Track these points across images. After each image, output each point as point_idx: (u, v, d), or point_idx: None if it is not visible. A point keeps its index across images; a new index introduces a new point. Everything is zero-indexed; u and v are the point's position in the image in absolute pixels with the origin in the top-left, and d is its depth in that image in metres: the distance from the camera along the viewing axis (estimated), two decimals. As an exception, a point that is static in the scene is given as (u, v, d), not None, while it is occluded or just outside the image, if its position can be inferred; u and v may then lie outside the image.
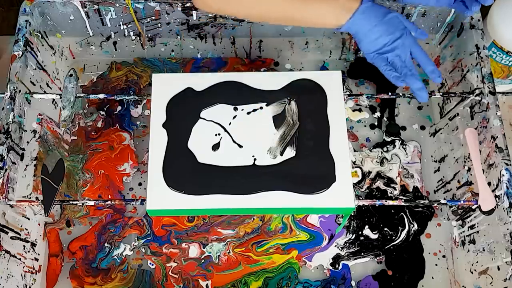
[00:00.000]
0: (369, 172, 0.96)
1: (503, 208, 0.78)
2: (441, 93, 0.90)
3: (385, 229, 0.93)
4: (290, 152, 0.79)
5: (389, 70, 0.74)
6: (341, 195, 0.76)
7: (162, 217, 0.92)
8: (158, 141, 0.79)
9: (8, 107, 0.82)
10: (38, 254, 0.88)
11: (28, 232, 0.86)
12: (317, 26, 0.76)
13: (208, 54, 1.05)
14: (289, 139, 0.80)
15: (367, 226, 0.93)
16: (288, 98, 0.82)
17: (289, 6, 0.73)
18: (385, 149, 0.98)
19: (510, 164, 0.79)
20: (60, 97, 0.84)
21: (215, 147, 0.79)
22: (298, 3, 0.73)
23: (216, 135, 0.80)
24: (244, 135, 0.80)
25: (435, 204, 0.82)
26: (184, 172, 0.77)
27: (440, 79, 0.75)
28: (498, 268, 0.80)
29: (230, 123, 0.81)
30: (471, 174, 0.86)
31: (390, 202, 0.80)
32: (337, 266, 0.90)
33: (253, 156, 0.79)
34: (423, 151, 0.99)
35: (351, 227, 0.93)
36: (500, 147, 0.80)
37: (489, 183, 0.81)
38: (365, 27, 0.73)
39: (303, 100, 0.82)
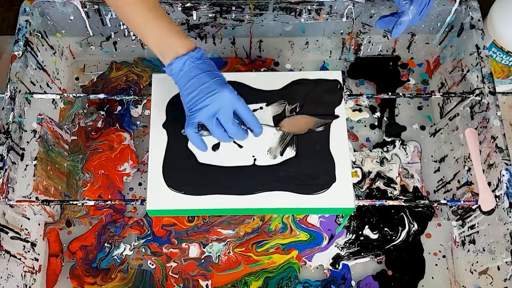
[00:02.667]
0: (369, 172, 0.96)
1: (503, 208, 0.78)
2: (441, 93, 0.90)
3: (385, 229, 0.93)
4: (290, 152, 0.79)
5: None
6: (341, 195, 0.76)
7: (162, 217, 0.92)
8: (158, 141, 0.79)
9: (8, 107, 0.82)
10: (38, 254, 0.88)
11: (28, 232, 0.86)
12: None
13: (208, 54, 1.05)
14: (289, 139, 0.80)
15: (367, 226, 0.93)
16: (285, 101, 0.82)
17: (140, 26, 0.72)
18: (385, 149, 0.98)
19: (510, 164, 0.79)
20: (60, 97, 0.84)
21: (215, 147, 0.79)
22: (146, 25, 0.71)
23: (216, 135, 0.80)
24: (244, 135, 0.80)
25: (435, 204, 0.82)
26: (184, 172, 0.77)
27: (260, 133, 0.75)
28: (498, 268, 0.80)
29: (230, 123, 0.81)
30: (471, 174, 0.86)
31: (390, 202, 0.80)
32: (337, 266, 0.90)
33: (253, 156, 0.79)
34: (423, 151, 0.99)
35: (351, 227, 0.93)
36: (500, 147, 0.80)
37: (489, 183, 0.81)
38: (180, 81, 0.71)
39: (302, 100, 0.82)
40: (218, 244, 0.91)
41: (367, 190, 0.95)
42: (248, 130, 0.77)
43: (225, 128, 0.73)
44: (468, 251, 0.88)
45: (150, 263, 0.90)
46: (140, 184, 0.96)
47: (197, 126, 0.73)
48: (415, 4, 0.72)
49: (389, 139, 0.99)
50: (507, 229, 0.77)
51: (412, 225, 0.93)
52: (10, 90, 0.83)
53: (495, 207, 0.79)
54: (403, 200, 0.81)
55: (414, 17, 0.73)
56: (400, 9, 0.73)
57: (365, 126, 1.01)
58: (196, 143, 0.75)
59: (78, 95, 0.88)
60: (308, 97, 0.82)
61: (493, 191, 0.80)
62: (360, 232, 0.93)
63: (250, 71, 1.03)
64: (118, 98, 0.90)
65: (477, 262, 0.85)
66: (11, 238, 0.81)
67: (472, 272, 0.86)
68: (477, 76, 0.87)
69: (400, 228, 0.93)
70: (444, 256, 0.92)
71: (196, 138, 0.74)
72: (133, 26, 0.74)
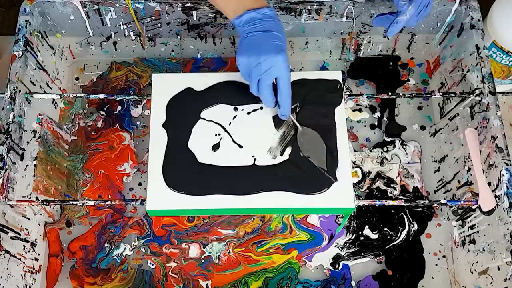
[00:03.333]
0: (369, 172, 0.96)
1: (503, 208, 0.78)
2: (441, 93, 0.90)
3: (385, 229, 0.93)
4: (290, 152, 0.79)
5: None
6: (341, 195, 0.76)
7: (162, 217, 0.92)
8: (158, 141, 0.79)
9: (8, 107, 0.82)
10: (38, 254, 0.88)
11: (28, 232, 0.86)
12: (222, 11, 0.76)
13: (208, 54, 1.05)
14: (289, 139, 0.80)
15: (367, 226, 0.93)
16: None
17: None
18: (385, 149, 0.98)
19: (510, 164, 0.79)
20: (60, 97, 0.84)
21: (215, 147, 0.79)
22: None
23: (216, 135, 0.80)
24: (244, 135, 0.80)
25: (435, 204, 0.82)
26: (184, 172, 0.77)
27: (286, 117, 0.77)
28: (498, 268, 0.80)
29: (230, 123, 0.81)
30: (471, 174, 0.86)
31: (390, 202, 0.80)
32: (337, 266, 0.90)
33: (253, 156, 0.79)
34: (423, 151, 0.99)
35: (351, 227, 0.93)
36: (500, 147, 0.80)
37: (489, 183, 0.81)
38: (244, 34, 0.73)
39: (302, 100, 0.82)
40: (218, 244, 0.91)
41: (367, 190, 0.95)
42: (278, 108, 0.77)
43: (259, 89, 0.74)
44: (468, 251, 0.88)
45: (150, 263, 0.90)
46: (140, 184, 0.96)
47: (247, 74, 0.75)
48: (413, 5, 0.72)
49: (389, 139, 0.99)
50: (507, 229, 0.77)
51: (412, 225, 0.93)
52: (10, 90, 0.83)
53: (495, 207, 0.80)
54: (403, 200, 0.81)
55: (412, 17, 0.73)
56: (398, 9, 0.73)
57: (365, 126, 1.01)
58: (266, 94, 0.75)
59: (78, 95, 0.88)
60: (308, 97, 0.82)
61: (493, 191, 0.80)
62: (360, 232, 0.93)
63: (250, 71, 1.03)
64: (118, 98, 0.90)
65: (477, 262, 0.85)
66: (11, 238, 0.81)
67: (472, 272, 0.86)
68: (477, 76, 0.87)
69: (400, 228, 0.93)
70: (444, 256, 0.92)
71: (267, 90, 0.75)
72: None
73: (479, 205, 0.80)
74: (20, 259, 0.82)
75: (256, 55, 0.72)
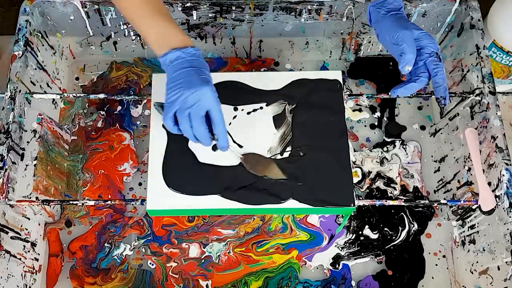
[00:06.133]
0: (369, 172, 0.96)
1: (503, 208, 0.78)
2: (441, 93, 0.90)
3: (385, 229, 0.93)
4: (290, 152, 0.79)
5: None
6: (341, 195, 0.76)
7: (162, 217, 0.92)
8: (158, 141, 0.79)
9: (8, 107, 0.82)
10: (38, 254, 0.88)
11: (28, 232, 0.86)
12: (148, 43, 0.75)
13: (208, 54, 1.05)
14: (289, 139, 0.80)
15: (367, 226, 0.93)
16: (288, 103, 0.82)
17: (141, 16, 0.73)
18: (385, 149, 0.98)
19: (510, 164, 0.79)
20: (60, 97, 0.84)
21: (215, 147, 0.79)
22: (149, 17, 0.73)
23: (216, 135, 0.80)
24: (244, 135, 0.80)
25: (435, 204, 0.82)
26: (184, 172, 0.77)
27: (225, 149, 0.73)
28: (498, 268, 0.80)
29: (230, 123, 0.81)
30: (471, 174, 0.86)
31: (390, 202, 0.80)
32: (337, 266, 0.90)
33: (253, 156, 0.79)
34: (423, 151, 0.99)
35: (351, 227, 0.93)
36: (500, 147, 0.80)
37: (489, 183, 0.81)
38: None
39: (302, 100, 0.82)
40: (218, 244, 0.91)
41: (367, 190, 0.95)
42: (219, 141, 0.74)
43: (192, 124, 0.71)
44: (468, 251, 0.88)
45: (150, 263, 0.90)
46: (140, 184, 0.96)
47: (173, 117, 0.71)
48: (432, 81, 0.73)
49: (389, 139, 0.99)
50: (507, 229, 0.77)
51: (412, 225, 0.93)
52: (10, 90, 0.83)
53: (495, 207, 0.79)
54: (403, 200, 0.81)
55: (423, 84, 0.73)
56: (412, 77, 0.73)
57: (365, 126, 1.01)
58: (173, 131, 0.73)
59: (78, 95, 0.88)
60: (308, 97, 0.82)
61: (493, 191, 0.80)
62: (360, 232, 0.93)
63: (250, 71, 1.03)
64: (118, 98, 0.90)
65: (477, 262, 0.85)
66: (11, 238, 0.81)
67: (472, 272, 0.86)
68: (477, 76, 0.87)
69: (400, 228, 0.93)
70: (444, 256, 0.92)
71: (173, 128, 0.73)
72: (134, 16, 0.74)
73: (479, 205, 0.80)
74: (20, 259, 0.82)
75: (183, 90, 0.69)
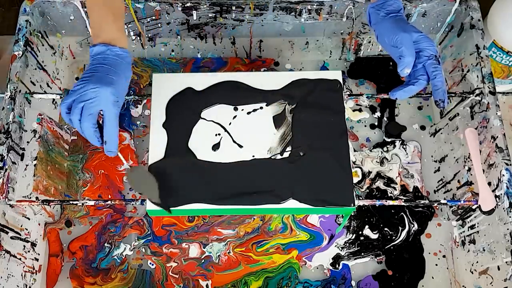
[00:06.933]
0: (369, 172, 0.96)
1: (503, 208, 0.78)
2: (441, 93, 0.90)
3: (385, 229, 0.93)
4: (290, 152, 0.79)
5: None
6: (341, 195, 0.76)
7: (162, 217, 0.92)
8: (158, 141, 0.79)
9: (8, 107, 0.82)
10: (38, 254, 0.88)
11: (28, 232, 0.86)
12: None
13: (208, 54, 1.05)
14: (289, 139, 0.80)
15: (367, 226, 0.93)
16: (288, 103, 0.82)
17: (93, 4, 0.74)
18: (385, 149, 0.98)
19: (510, 164, 0.79)
20: (60, 97, 0.84)
21: (215, 147, 0.79)
22: (95, 2, 0.74)
23: (216, 135, 0.80)
24: (244, 135, 0.80)
25: (435, 204, 0.82)
26: (184, 172, 0.77)
27: (113, 154, 0.71)
28: (498, 268, 0.80)
29: (230, 123, 0.81)
30: (471, 174, 0.86)
31: (390, 202, 0.80)
32: (337, 266, 0.90)
33: (253, 156, 0.79)
34: (423, 151, 0.99)
35: (351, 227, 0.93)
36: (500, 147, 0.80)
37: (489, 183, 0.81)
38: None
39: (302, 100, 0.82)
40: (218, 244, 0.91)
41: (367, 190, 0.95)
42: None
43: (81, 117, 0.69)
44: (468, 251, 0.88)
45: (150, 263, 0.90)
46: (140, 184, 0.96)
47: (69, 104, 0.70)
48: (431, 84, 0.73)
49: (389, 139, 0.99)
50: (507, 229, 0.77)
51: (412, 225, 0.93)
52: (10, 90, 0.83)
53: (495, 207, 0.79)
54: (403, 200, 0.81)
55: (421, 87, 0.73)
56: (411, 79, 0.73)
57: (365, 126, 1.01)
58: (65, 119, 0.71)
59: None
60: (308, 97, 0.82)
61: (493, 191, 0.80)
62: (360, 232, 0.93)
63: (250, 71, 1.03)
64: (118, 98, 0.90)
65: (477, 262, 0.85)
66: (11, 238, 0.81)
67: (472, 272, 0.86)
68: (477, 76, 0.87)
69: (400, 228, 0.93)
70: (444, 256, 0.92)
71: (65, 116, 0.71)
72: (89, 2, 0.75)
73: (479, 205, 0.80)
74: (20, 259, 0.82)
75: (87, 82, 0.69)
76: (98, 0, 0.74)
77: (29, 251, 0.85)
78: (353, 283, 0.90)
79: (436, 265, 0.91)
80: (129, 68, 0.73)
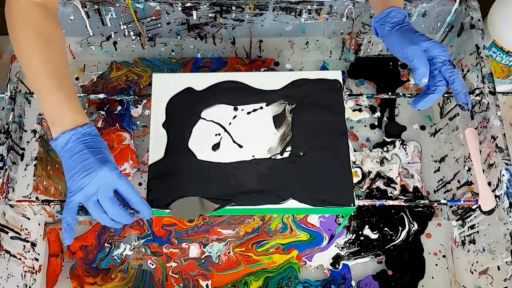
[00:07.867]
0: (369, 172, 0.96)
1: (503, 208, 0.78)
2: (441, 93, 0.90)
3: (385, 229, 0.93)
4: (290, 152, 0.79)
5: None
6: (341, 195, 0.76)
7: (162, 217, 0.92)
8: (158, 141, 0.79)
9: (8, 107, 0.82)
10: (38, 254, 0.88)
11: (28, 232, 0.86)
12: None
13: (208, 54, 1.05)
14: (289, 139, 0.80)
15: (367, 226, 0.93)
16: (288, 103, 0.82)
17: (38, 87, 0.67)
18: (385, 149, 0.98)
19: (510, 164, 0.79)
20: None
21: (215, 147, 0.79)
22: (44, 89, 0.67)
23: (216, 135, 0.80)
24: (244, 135, 0.80)
25: (435, 204, 0.82)
26: (184, 172, 0.77)
27: (148, 217, 0.68)
28: (498, 268, 0.80)
29: (230, 123, 0.81)
30: (471, 174, 0.86)
31: (390, 202, 0.80)
32: (337, 266, 0.90)
33: (253, 156, 0.79)
34: (423, 151, 0.99)
35: (351, 227, 0.93)
36: (500, 147, 0.80)
37: (489, 183, 0.81)
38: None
39: (302, 100, 0.82)
40: (218, 244, 0.91)
41: (367, 190, 0.95)
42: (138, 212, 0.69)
43: (104, 209, 0.65)
44: (468, 251, 0.88)
45: (150, 263, 0.90)
46: (140, 184, 0.96)
47: (76, 209, 0.66)
48: (451, 89, 0.72)
49: (389, 139, 0.99)
50: (507, 229, 0.77)
51: (412, 225, 0.93)
52: (10, 90, 0.83)
53: (495, 207, 0.79)
54: (403, 200, 0.81)
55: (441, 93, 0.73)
56: (432, 86, 0.72)
57: (365, 126, 1.01)
58: (67, 231, 0.66)
59: (78, 95, 0.87)
60: (308, 97, 0.82)
61: (493, 191, 0.80)
62: (360, 232, 0.93)
63: (250, 71, 1.03)
64: (118, 98, 0.90)
65: (477, 262, 0.85)
66: (11, 238, 0.81)
67: (472, 272, 0.86)
68: (477, 76, 0.87)
69: (400, 228, 0.93)
70: (444, 256, 0.92)
71: (70, 225, 0.66)
72: (33, 82, 0.68)
73: (479, 205, 0.80)
74: (20, 259, 0.82)
75: (80, 178, 0.64)
76: (43, 81, 0.66)
77: (29, 251, 0.85)
78: (353, 283, 0.90)
79: (436, 265, 0.91)
80: (100, 140, 0.67)
